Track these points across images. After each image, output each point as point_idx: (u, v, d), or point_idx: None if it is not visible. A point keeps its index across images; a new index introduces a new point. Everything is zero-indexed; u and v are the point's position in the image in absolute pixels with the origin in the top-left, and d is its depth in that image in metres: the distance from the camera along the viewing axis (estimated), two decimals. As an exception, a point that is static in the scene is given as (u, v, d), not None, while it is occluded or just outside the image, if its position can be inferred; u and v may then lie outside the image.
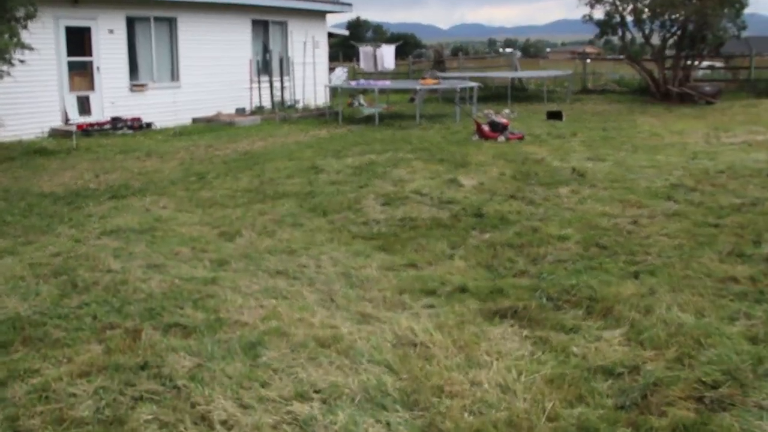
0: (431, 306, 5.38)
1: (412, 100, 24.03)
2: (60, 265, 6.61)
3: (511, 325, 4.94)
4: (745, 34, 24.11)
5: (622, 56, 27.10)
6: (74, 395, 4.17)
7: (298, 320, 5.09)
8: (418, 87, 19.69)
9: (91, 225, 8.13)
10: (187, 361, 4.50)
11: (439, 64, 31.81)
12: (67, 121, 16.86)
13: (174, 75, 19.56)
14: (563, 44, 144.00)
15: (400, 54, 32.34)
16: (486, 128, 14.35)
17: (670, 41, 23.70)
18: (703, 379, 4.03)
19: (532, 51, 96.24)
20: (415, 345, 4.61)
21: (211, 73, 20.00)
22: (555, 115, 18.05)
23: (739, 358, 4.25)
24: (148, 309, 5.41)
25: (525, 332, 4.80)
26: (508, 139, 13.97)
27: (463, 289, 5.66)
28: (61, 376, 4.38)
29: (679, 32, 23.23)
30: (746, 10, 22.96)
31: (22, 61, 13.59)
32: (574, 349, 4.50)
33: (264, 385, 4.17)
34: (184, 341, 4.81)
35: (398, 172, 10.39)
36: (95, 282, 6.12)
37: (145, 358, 4.56)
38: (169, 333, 4.97)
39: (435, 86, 20.17)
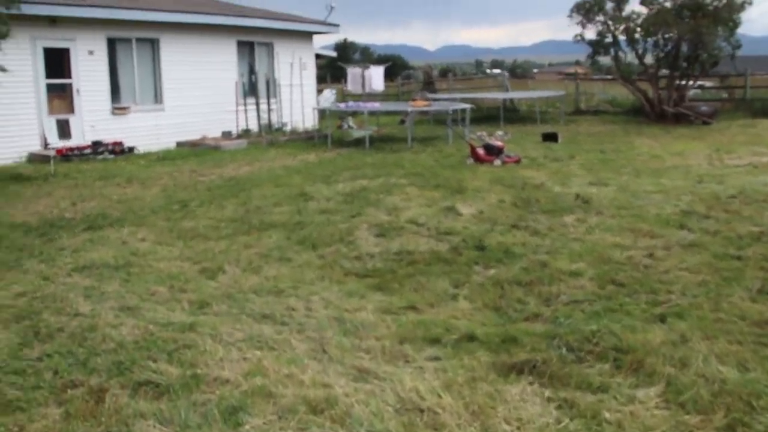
0: (436, 358, 4.75)
1: (402, 122, 23.52)
2: (24, 308, 5.99)
3: (530, 383, 4.31)
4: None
5: (610, 76, 26.73)
6: (22, 477, 3.55)
7: (286, 377, 4.46)
8: (408, 109, 19.17)
9: (63, 260, 7.51)
10: (157, 430, 3.88)
11: (428, 85, 31.41)
12: (46, 145, 16.21)
13: (157, 97, 18.95)
14: (550, 65, 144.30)
15: (388, 75, 31.88)
16: (481, 151, 13.82)
17: (664, 60, 23.31)
18: (763, 454, 3.44)
19: (519, 72, 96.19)
20: (421, 410, 3.99)
21: (196, 95, 19.41)
22: (550, 137, 17.56)
23: (798, 425, 3.66)
24: (117, 362, 4.78)
25: (547, 392, 4.18)
26: (504, 163, 13.44)
27: (471, 337, 5.03)
28: (9, 450, 3.76)
29: (673, 51, 22.85)
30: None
31: (-6, 83, 13.03)
32: (606, 414, 3.88)
33: (246, 463, 3.56)
34: (155, 404, 4.18)
35: (392, 200, 9.79)
36: (61, 328, 5.49)
37: (108, 426, 3.94)
38: (138, 393, 4.34)
39: (426, 108, 19.65)
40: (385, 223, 8.55)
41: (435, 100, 23.10)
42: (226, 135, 19.83)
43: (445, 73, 49.63)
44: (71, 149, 16.12)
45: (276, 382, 4.37)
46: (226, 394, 4.25)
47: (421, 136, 18.97)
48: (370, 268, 6.87)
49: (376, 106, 20.27)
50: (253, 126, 20.73)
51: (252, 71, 21.46)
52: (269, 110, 21.34)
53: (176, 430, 3.86)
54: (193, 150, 17.70)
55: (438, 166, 13.35)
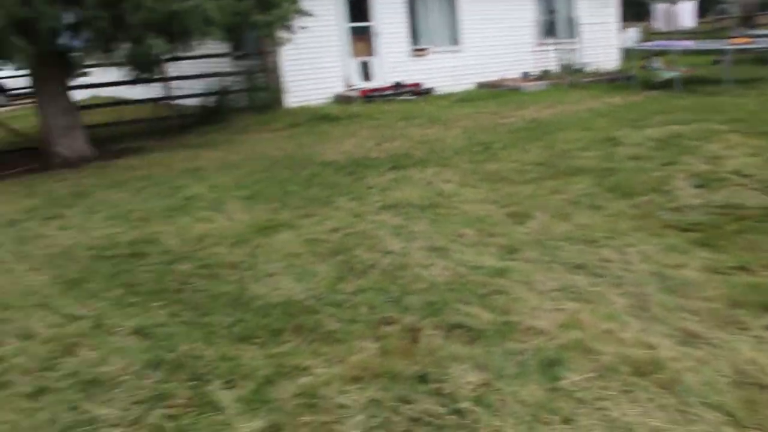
0: (777, 328, 4.20)
1: (716, 62, 21.59)
2: (337, 243, 6.25)
3: None
4: None
5: None
6: (344, 406, 3.65)
7: (605, 333, 4.18)
8: (727, 47, 17.49)
9: (371, 198, 7.76)
10: (473, 375, 3.80)
11: (746, 20, 28.54)
12: (350, 86, 17.00)
13: (454, 39, 19.03)
14: None
15: (700, 11, 29.41)
16: (815, 95, 12.24)
17: None
18: None
19: None
20: (762, 387, 3.53)
21: (493, 36, 19.24)
22: None
23: None
24: (429, 303, 4.80)
25: None
26: (844, 108, 11.79)
27: (819, 308, 4.39)
28: (331, 379, 3.90)
29: None
30: None
31: (303, 28, 13.77)
32: None
33: (567, 420, 3.37)
34: (468, 348, 4.12)
35: (711, 147, 8.92)
36: (373, 264, 5.64)
37: (424, 366, 3.94)
38: (451, 335, 4.31)
39: (748, 45, 17.76)
40: (704, 172, 7.80)
41: (756, 36, 20.88)
42: (525, 76, 19.50)
43: (765, 5, 44.90)
44: (373, 90, 16.75)
45: (594, 338, 4.11)
46: (541, 345, 4.07)
47: (741, 78, 17.26)
48: (691, 222, 6.27)
49: (689, 44, 18.73)
50: (553, 67, 20.16)
51: (550, 10, 20.80)
52: (569, 50, 20.61)
53: (491, 378, 3.76)
54: (491, 91, 17.61)
55: (764, 111, 12.00)
